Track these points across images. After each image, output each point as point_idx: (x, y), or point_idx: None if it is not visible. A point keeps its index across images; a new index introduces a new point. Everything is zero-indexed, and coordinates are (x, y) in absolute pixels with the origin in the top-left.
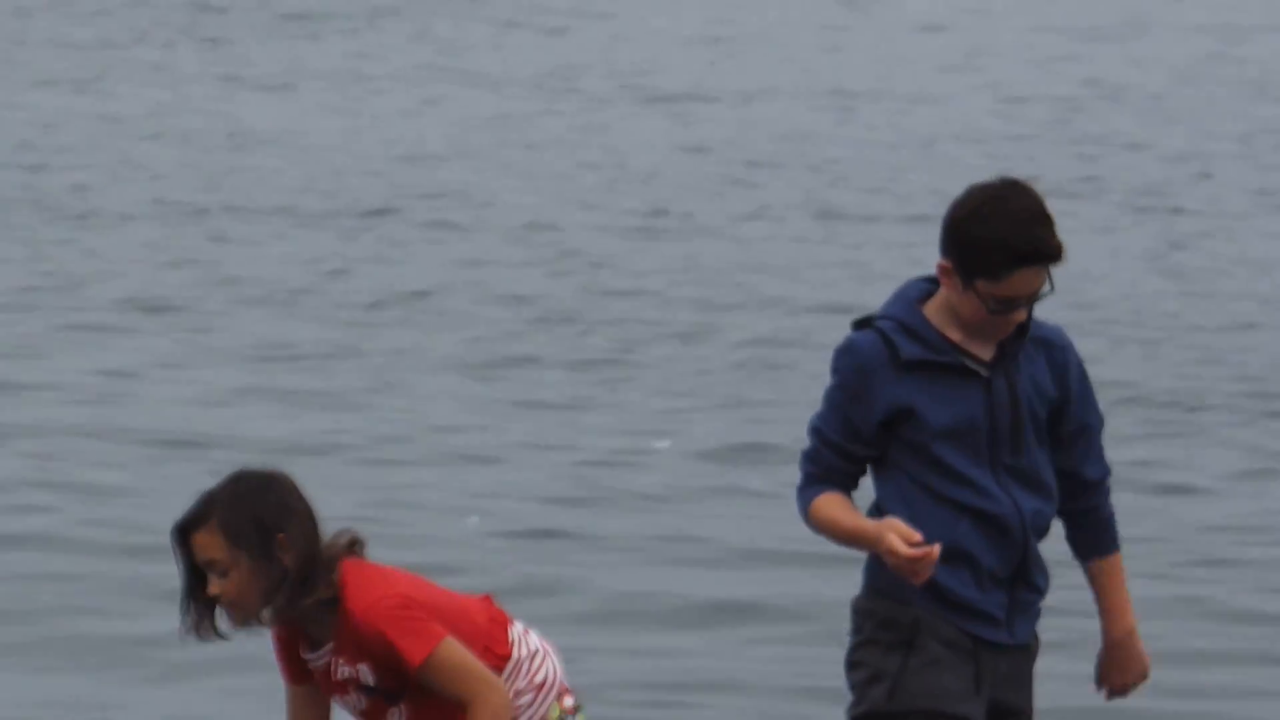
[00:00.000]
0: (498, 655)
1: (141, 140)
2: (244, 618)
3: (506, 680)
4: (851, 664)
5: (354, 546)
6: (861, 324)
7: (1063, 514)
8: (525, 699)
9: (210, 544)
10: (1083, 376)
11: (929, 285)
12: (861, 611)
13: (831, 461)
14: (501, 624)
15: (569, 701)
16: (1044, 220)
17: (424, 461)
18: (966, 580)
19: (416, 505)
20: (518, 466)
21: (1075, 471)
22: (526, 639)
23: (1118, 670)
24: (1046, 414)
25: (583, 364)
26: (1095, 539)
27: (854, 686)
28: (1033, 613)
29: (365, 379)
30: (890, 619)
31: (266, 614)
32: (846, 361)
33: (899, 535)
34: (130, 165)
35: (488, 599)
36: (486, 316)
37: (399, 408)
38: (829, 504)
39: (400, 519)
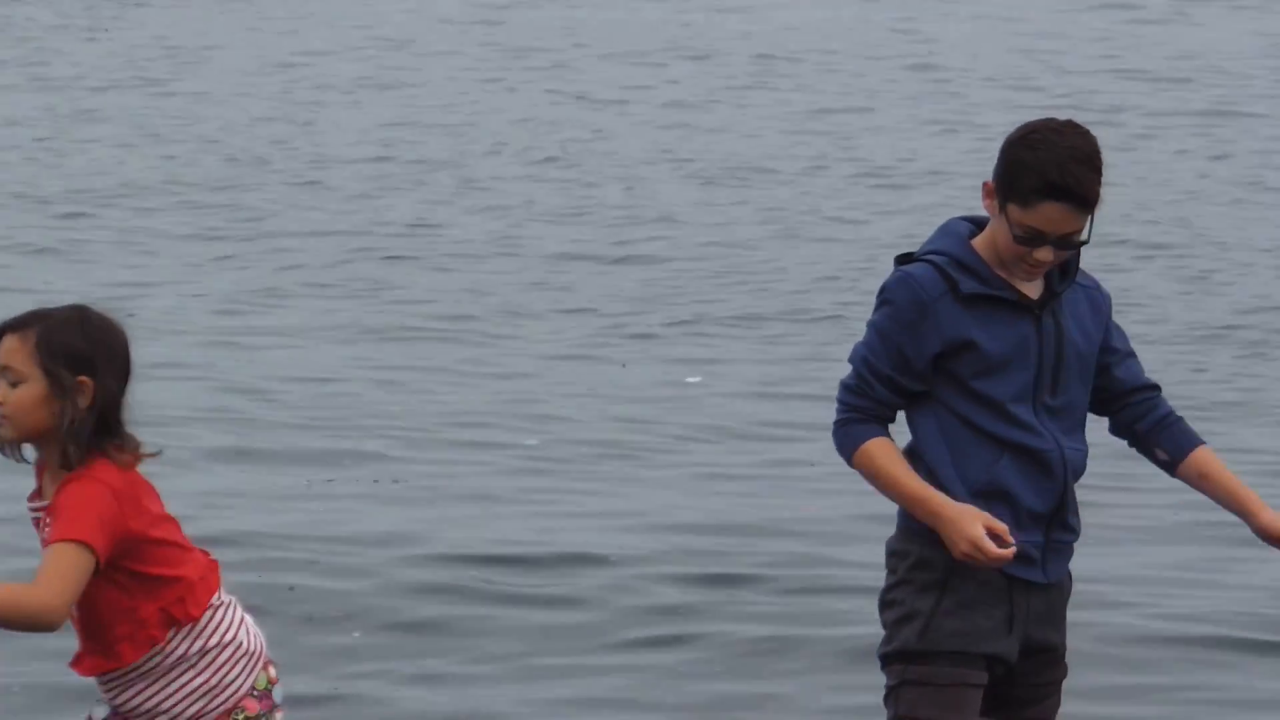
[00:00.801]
0: (188, 610)
1: None
2: (9, 436)
3: (191, 635)
4: (885, 603)
5: (132, 455)
6: (906, 259)
7: (1148, 424)
8: (223, 657)
9: (16, 351)
10: (1110, 307)
11: (972, 225)
12: (897, 553)
13: (880, 394)
14: (208, 589)
15: (273, 671)
16: (1087, 162)
17: None
18: (1005, 518)
19: None
20: None
21: (1144, 383)
22: (230, 611)
23: None
24: (1092, 354)
25: None
26: (1187, 432)
27: (886, 625)
28: (1066, 553)
29: None
30: (925, 559)
31: (27, 447)
32: (903, 293)
33: (989, 529)
34: None
35: (214, 564)
36: None
37: None
38: (886, 455)
39: None
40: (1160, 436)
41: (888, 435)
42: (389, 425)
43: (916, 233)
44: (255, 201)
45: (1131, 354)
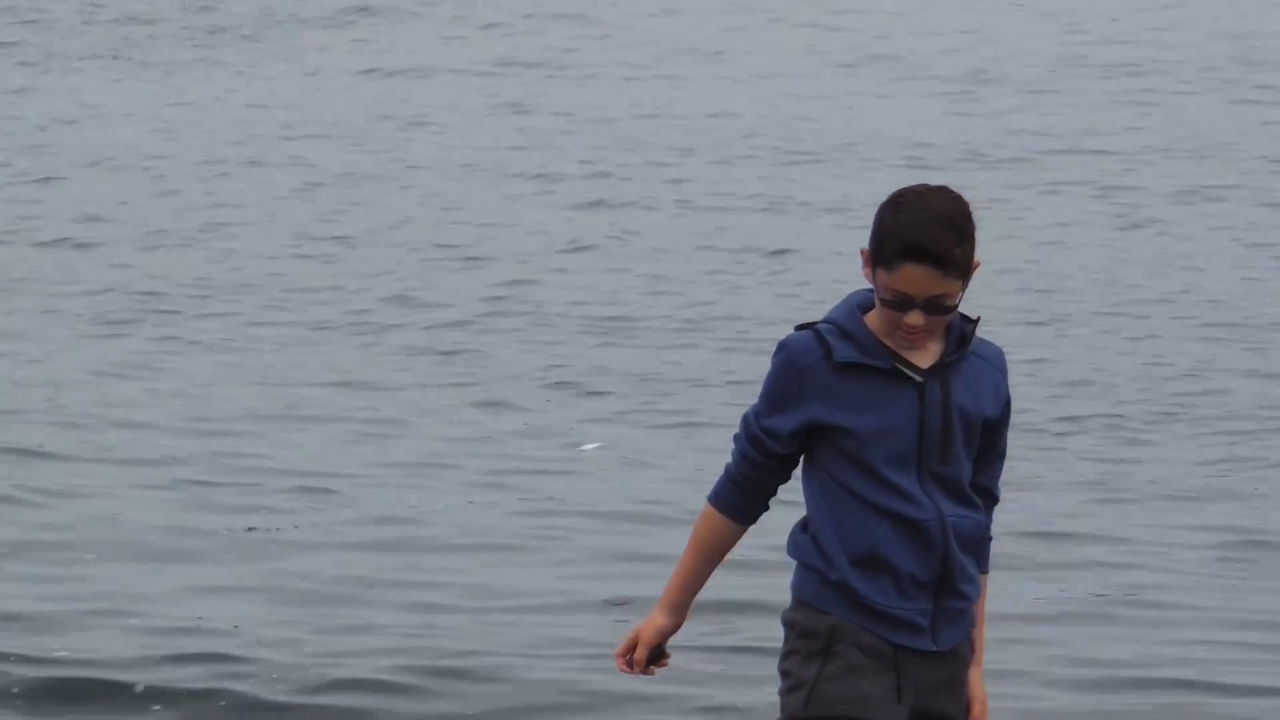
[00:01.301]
0: None
1: None
2: None
3: None
4: (780, 675)
5: None
6: (803, 327)
7: None
8: None
9: None
10: (1009, 402)
11: (868, 298)
12: (786, 623)
13: (748, 452)
14: None
15: None
16: (949, 225)
17: None
18: (885, 587)
19: None
20: None
21: (990, 490)
22: None
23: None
24: (980, 429)
25: None
26: (982, 555)
27: (780, 696)
28: (962, 620)
29: None
30: (809, 628)
31: None
32: (781, 359)
33: (643, 644)
34: None
35: None
36: None
37: None
38: (703, 532)
39: None
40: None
41: (734, 515)
42: None
43: None
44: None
45: (1001, 456)
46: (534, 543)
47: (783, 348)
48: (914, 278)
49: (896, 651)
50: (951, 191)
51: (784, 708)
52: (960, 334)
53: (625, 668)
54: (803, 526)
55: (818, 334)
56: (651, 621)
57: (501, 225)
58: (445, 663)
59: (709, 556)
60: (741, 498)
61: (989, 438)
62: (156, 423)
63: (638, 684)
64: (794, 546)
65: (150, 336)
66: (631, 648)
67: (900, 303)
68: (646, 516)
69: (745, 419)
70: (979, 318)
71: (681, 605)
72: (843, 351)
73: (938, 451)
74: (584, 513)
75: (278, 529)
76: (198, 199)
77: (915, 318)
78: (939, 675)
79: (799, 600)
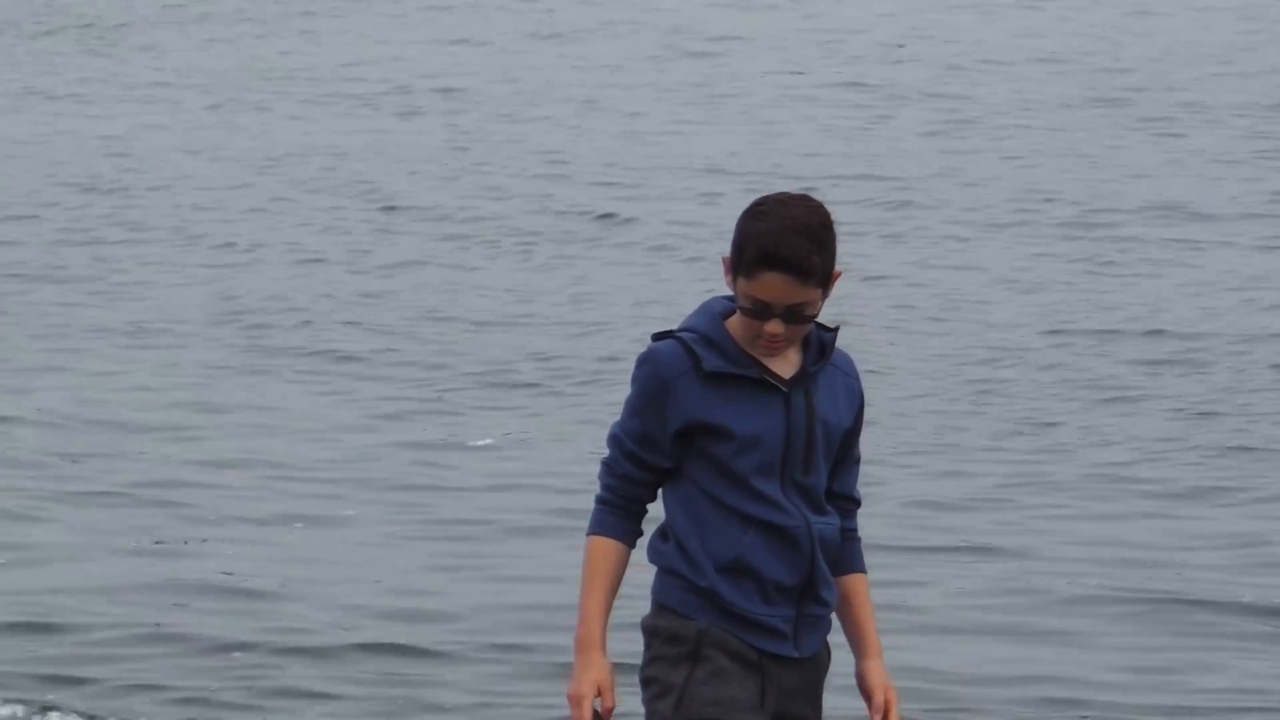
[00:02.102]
0: None
1: None
2: None
3: None
4: (643, 682)
5: None
6: (662, 336)
7: None
8: None
9: None
10: (863, 404)
11: (731, 303)
12: (649, 629)
13: (628, 471)
14: None
15: None
16: (807, 234)
17: None
18: (750, 593)
19: None
20: None
21: (849, 494)
22: None
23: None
24: (838, 436)
25: None
26: (855, 555)
27: (645, 704)
28: (821, 627)
29: None
30: (675, 633)
31: None
32: (647, 370)
33: (591, 693)
34: None
35: None
36: None
37: None
38: (596, 558)
39: None
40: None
41: (620, 536)
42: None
43: None
44: None
45: (857, 461)
46: None
47: (647, 359)
48: (773, 286)
49: (762, 657)
50: (812, 200)
51: (650, 715)
52: (820, 343)
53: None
54: (663, 534)
55: (683, 344)
56: (597, 669)
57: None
58: None
59: (613, 587)
60: (627, 519)
61: (846, 444)
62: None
63: None
64: (655, 554)
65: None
66: (589, 711)
67: (760, 311)
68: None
69: (615, 440)
70: (838, 327)
71: (604, 642)
72: (711, 361)
73: (801, 461)
74: None
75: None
76: None
77: (775, 326)
78: (799, 681)
79: (662, 606)
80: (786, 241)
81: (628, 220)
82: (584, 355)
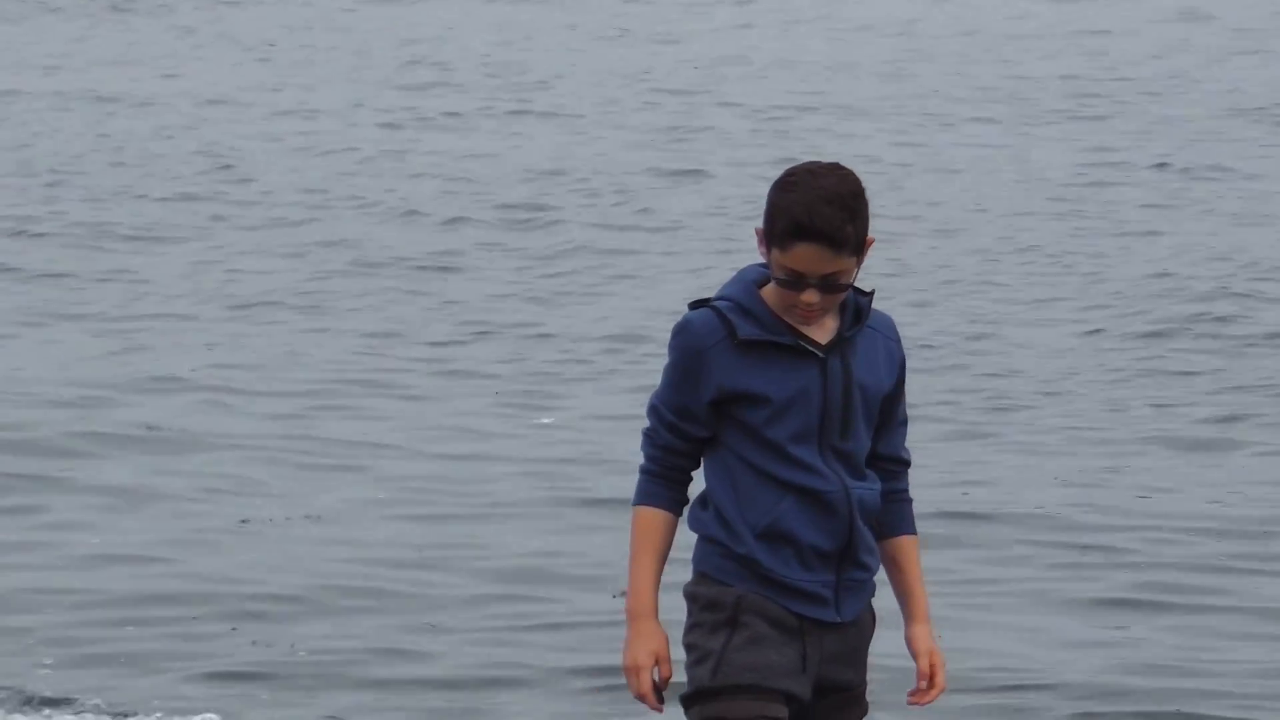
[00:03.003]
0: None
1: None
2: None
3: None
4: (685, 649)
5: None
6: (698, 305)
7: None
8: None
9: None
10: (904, 365)
11: (766, 270)
12: (689, 597)
13: (668, 441)
14: None
15: None
16: (839, 204)
17: None
18: (789, 559)
19: None
20: None
21: (896, 455)
22: None
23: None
24: (878, 399)
25: None
26: (904, 517)
27: (687, 670)
28: (863, 591)
29: None
30: (714, 600)
31: None
32: (682, 340)
33: (650, 665)
34: None
35: None
36: None
37: None
38: (645, 528)
39: None
40: (881, 508)
41: (666, 505)
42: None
43: None
44: None
45: (903, 423)
46: None
47: (682, 330)
48: (807, 256)
49: (802, 622)
50: (842, 168)
51: (691, 680)
52: (856, 307)
53: (659, 705)
54: (703, 502)
55: (718, 312)
56: (653, 638)
57: None
58: None
59: (661, 555)
60: (670, 488)
61: (888, 407)
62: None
63: None
64: (695, 521)
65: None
66: (648, 681)
67: (795, 281)
68: None
69: (654, 411)
70: (873, 290)
71: (656, 610)
72: (746, 329)
73: (838, 426)
74: None
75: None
76: None
77: (811, 295)
78: (841, 645)
79: (701, 574)
80: (818, 212)
81: None
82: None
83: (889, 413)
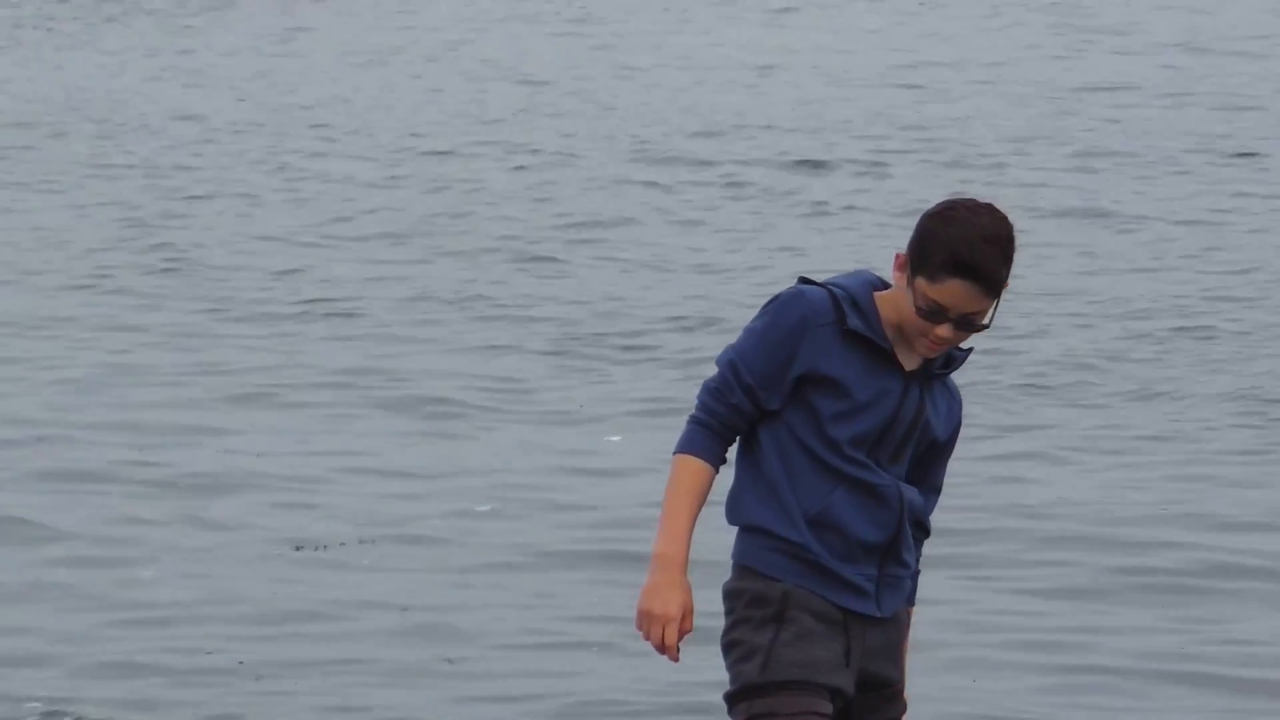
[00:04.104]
0: None
1: None
2: None
3: None
4: (727, 646)
5: None
6: (808, 283)
7: None
8: None
9: None
10: (957, 436)
11: (880, 282)
12: (732, 593)
13: (740, 402)
14: None
15: None
16: (999, 245)
17: None
18: (836, 550)
19: None
20: None
21: (921, 520)
22: None
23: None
24: (929, 446)
25: None
26: (909, 587)
27: (730, 667)
28: (901, 588)
29: None
30: (760, 595)
31: None
32: (792, 308)
33: (681, 619)
34: None
35: None
36: None
37: None
38: (685, 477)
39: None
40: None
41: (712, 460)
42: None
43: None
44: None
45: (935, 491)
46: None
47: (796, 299)
48: (957, 293)
49: (846, 616)
50: (998, 210)
51: (736, 677)
52: (948, 354)
53: (678, 657)
54: (745, 487)
55: (832, 296)
56: (684, 590)
57: None
58: None
59: (699, 508)
60: (720, 445)
61: (932, 459)
62: None
63: None
64: (739, 511)
65: None
66: (663, 634)
67: (936, 313)
68: None
69: (732, 368)
70: (972, 349)
71: (686, 563)
72: (854, 321)
73: (894, 447)
74: None
75: None
76: None
77: (946, 330)
78: (882, 640)
79: (744, 568)
80: (981, 251)
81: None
82: None
83: (931, 465)
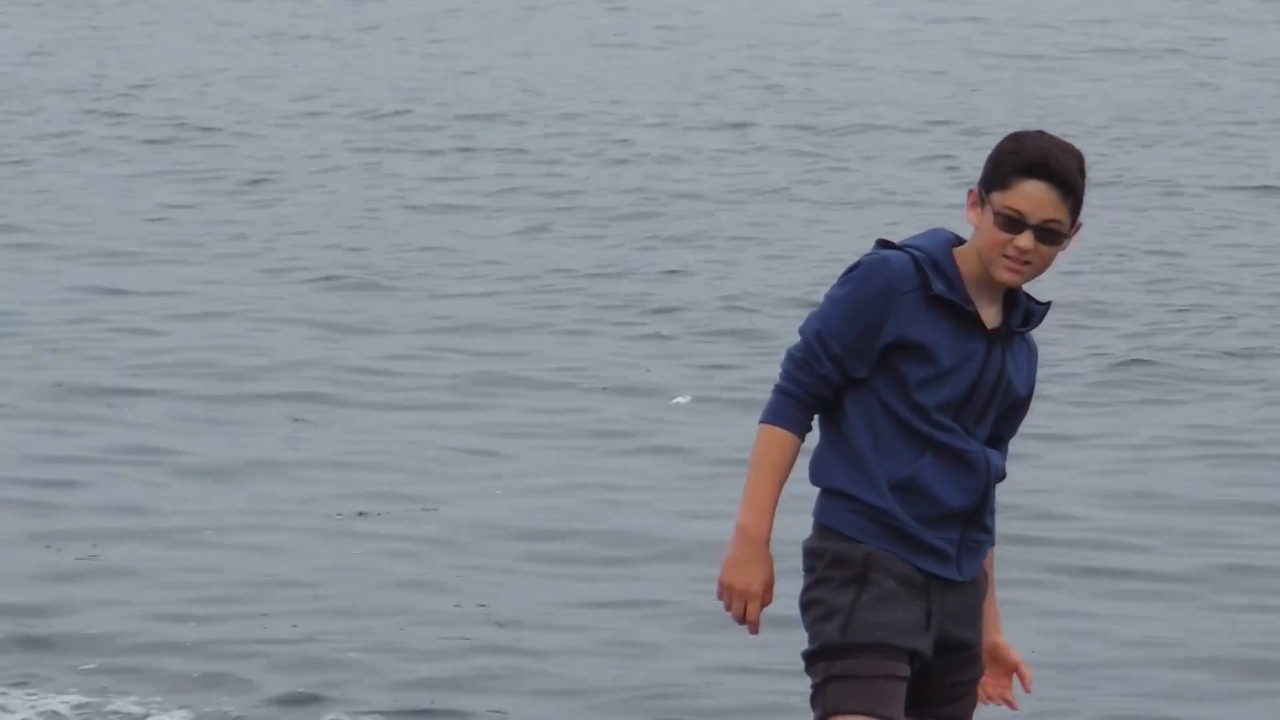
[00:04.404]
0: None
1: None
2: None
3: None
4: (806, 605)
5: None
6: (887, 246)
7: None
8: None
9: None
10: (1033, 392)
11: (956, 238)
12: (813, 552)
13: (826, 371)
14: None
15: None
16: (1072, 153)
17: None
18: (921, 515)
19: None
20: None
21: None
22: None
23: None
24: (1011, 404)
25: None
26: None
27: (808, 626)
28: (981, 552)
29: None
30: (842, 556)
31: None
32: (877, 276)
33: (763, 594)
34: None
35: None
36: None
37: None
38: (771, 448)
39: None
40: None
41: (799, 431)
42: None
43: None
44: None
45: (1014, 433)
46: None
47: (881, 267)
48: (1033, 195)
49: (927, 580)
50: (1068, 142)
51: (816, 635)
52: (1027, 310)
53: (759, 631)
54: (829, 451)
55: (915, 261)
56: (768, 566)
57: None
58: None
59: (784, 481)
60: (806, 416)
61: (1010, 416)
62: None
63: None
64: (823, 472)
65: None
66: (745, 608)
67: (1014, 222)
68: None
69: (819, 338)
70: (1050, 302)
71: (769, 537)
72: (939, 285)
73: (979, 410)
74: None
75: None
76: None
77: (1026, 240)
78: (961, 604)
79: (826, 528)
80: (1055, 155)
81: None
82: None
83: (1008, 421)
